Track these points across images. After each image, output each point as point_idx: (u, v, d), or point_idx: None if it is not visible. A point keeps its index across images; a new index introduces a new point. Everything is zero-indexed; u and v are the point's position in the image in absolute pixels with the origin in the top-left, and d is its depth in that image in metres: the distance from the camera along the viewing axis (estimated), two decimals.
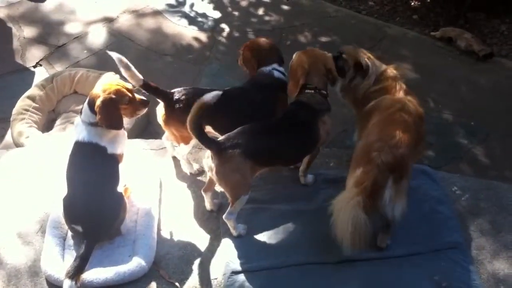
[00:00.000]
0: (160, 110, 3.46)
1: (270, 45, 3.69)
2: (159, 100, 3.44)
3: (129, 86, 3.21)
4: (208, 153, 3.10)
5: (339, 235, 2.89)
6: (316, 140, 3.33)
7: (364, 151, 3.06)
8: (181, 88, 3.46)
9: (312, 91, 3.31)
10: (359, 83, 3.54)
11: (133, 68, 3.24)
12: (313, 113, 3.28)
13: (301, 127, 3.26)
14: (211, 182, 3.31)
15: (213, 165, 3.04)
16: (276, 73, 3.57)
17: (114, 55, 3.20)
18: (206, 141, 2.99)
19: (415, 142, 3.16)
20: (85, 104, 3.14)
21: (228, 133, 3.11)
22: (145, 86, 3.33)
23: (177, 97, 3.39)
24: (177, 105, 3.37)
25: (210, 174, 3.13)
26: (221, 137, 3.09)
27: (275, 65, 3.59)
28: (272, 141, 3.15)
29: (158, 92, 3.39)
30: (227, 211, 3.17)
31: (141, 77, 3.29)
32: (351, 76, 3.57)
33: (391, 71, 3.52)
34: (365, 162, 2.98)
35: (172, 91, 3.44)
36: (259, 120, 3.22)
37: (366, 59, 3.51)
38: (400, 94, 3.38)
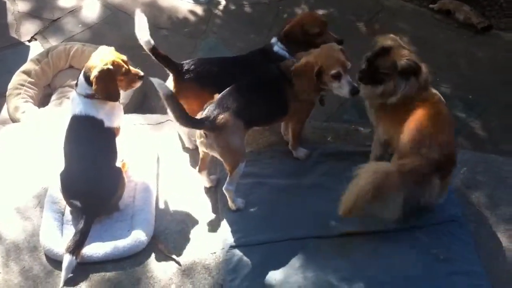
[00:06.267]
0: (170, 83, 3.43)
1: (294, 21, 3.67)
2: (168, 72, 3.42)
3: (125, 58, 3.20)
4: (198, 133, 3.11)
5: (350, 192, 2.92)
6: (283, 104, 3.30)
7: (413, 147, 2.96)
8: (189, 60, 3.47)
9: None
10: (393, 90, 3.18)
11: (147, 30, 3.25)
12: (280, 76, 3.27)
13: (269, 85, 3.28)
14: (204, 160, 3.32)
15: (210, 141, 3.05)
16: (276, 47, 3.60)
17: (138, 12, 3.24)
18: (196, 123, 3.02)
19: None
20: (81, 75, 3.13)
21: (209, 105, 3.11)
22: (154, 51, 3.31)
23: (186, 68, 3.40)
24: (187, 76, 3.38)
25: (209, 150, 3.13)
26: (204, 112, 3.09)
27: (275, 39, 3.62)
28: (251, 97, 3.18)
29: (168, 61, 3.38)
30: (226, 182, 3.18)
31: (152, 42, 3.28)
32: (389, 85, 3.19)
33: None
34: (412, 155, 2.93)
35: (181, 62, 3.44)
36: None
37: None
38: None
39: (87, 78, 3.07)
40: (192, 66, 3.41)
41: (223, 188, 3.20)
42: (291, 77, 3.25)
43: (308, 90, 3.25)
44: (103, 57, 3.11)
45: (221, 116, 3.01)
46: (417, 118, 3.06)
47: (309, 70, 3.17)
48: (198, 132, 3.11)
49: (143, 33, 3.25)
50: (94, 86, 3.04)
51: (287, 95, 3.29)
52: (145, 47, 3.30)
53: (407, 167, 2.91)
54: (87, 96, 3.11)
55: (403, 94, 3.13)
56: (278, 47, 3.60)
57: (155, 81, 2.86)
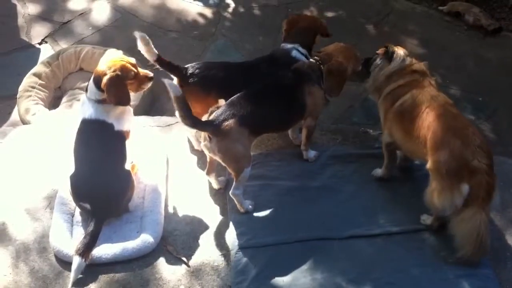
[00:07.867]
0: None
1: (306, 24, 3.73)
2: (172, 76, 3.44)
3: (133, 61, 3.22)
4: (203, 136, 3.12)
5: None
6: (300, 107, 3.34)
7: (459, 163, 2.90)
8: (194, 63, 3.49)
9: (315, 61, 3.41)
10: (382, 67, 3.38)
11: (151, 43, 3.29)
12: (299, 79, 3.34)
13: (284, 91, 3.32)
14: (212, 163, 3.33)
15: (213, 145, 3.06)
16: (294, 52, 3.61)
17: (138, 34, 3.25)
18: (201, 125, 3.04)
19: None
20: (91, 81, 3.14)
21: (217, 110, 3.12)
22: (159, 61, 3.36)
23: (191, 72, 3.41)
24: (191, 80, 3.40)
25: (212, 154, 3.14)
26: (211, 116, 3.10)
27: (296, 45, 3.63)
28: (260, 105, 3.19)
29: (172, 67, 3.41)
30: (232, 187, 3.19)
31: (156, 52, 3.32)
32: (376, 64, 3.43)
33: (419, 65, 3.38)
34: (469, 174, 2.87)
35: (186, 66, 3.45)
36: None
37: (394, 47, 3.40)
38: (432, 89, 3.25)
39: (97, 84, 3.08)
40: (197, 70, 3.42)
41: (230, 193, 3.21)
42: (314, 78, 3.34)
43: (339, 86, 3.42)
44: (112, 62, 3.11)
45: (226, 123, 3.03)
46: (424, 123, 3.09)
47: (342, 70, 3.37)
48: (203, 135, 3.12)
49: (148, 47, 3.30)
50: (105, 94, 3.06)
51: (305, 96, 3.33)
52: (150, 59, 3.35)
53: (485, 199, 2.90)
54: (98, 102, 3.13)
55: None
56: (297, 52, 3.61)
57: (167, 82, 2.93)
